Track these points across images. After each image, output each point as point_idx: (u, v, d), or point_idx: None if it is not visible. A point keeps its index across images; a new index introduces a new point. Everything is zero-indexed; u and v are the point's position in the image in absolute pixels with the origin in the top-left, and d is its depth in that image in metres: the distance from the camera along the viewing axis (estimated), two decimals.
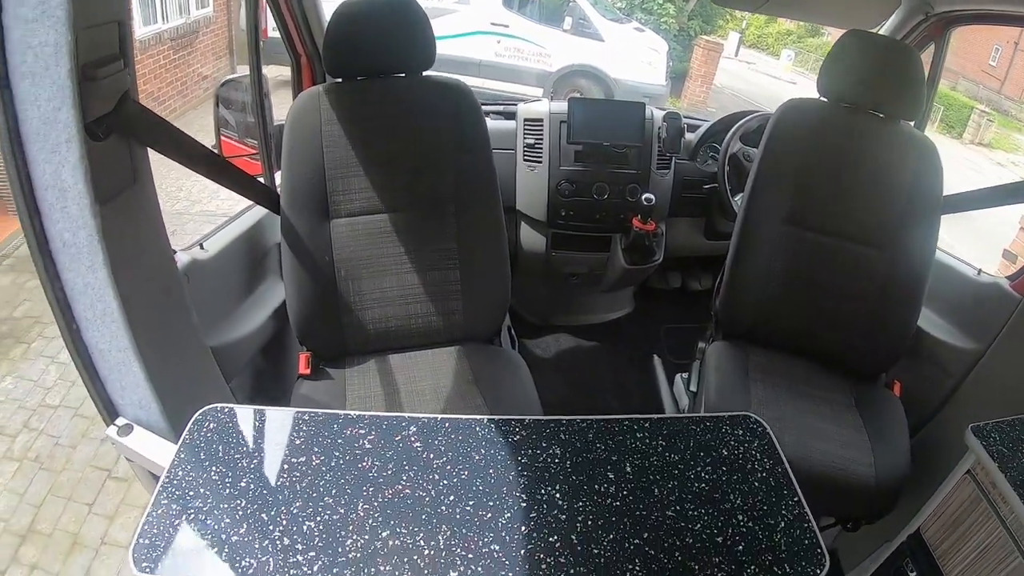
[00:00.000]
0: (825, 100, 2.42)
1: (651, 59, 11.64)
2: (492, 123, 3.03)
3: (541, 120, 3.07)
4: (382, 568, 0.98)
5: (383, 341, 2.29)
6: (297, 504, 1.08)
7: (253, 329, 2.34)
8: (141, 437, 1.34)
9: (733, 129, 3.06)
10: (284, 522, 1.05)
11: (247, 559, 0.99)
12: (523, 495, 1.08)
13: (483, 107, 3.05)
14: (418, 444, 1.17)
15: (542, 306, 3.77)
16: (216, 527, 1.04)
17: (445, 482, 1.10)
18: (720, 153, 3.06)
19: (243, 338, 2.27)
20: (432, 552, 1.00)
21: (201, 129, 9.50)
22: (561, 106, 3.06)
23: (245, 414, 1.28)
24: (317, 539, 1.02)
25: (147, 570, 0.96)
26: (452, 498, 1.08)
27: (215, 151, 2.06)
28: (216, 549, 1.00)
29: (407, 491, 1.10)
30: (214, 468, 1.14)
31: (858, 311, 2.36)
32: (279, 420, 1.29)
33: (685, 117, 3.18)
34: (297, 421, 1.26)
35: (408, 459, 1.15)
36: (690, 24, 14.83)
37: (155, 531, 1.02)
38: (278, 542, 1.02)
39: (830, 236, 2.39)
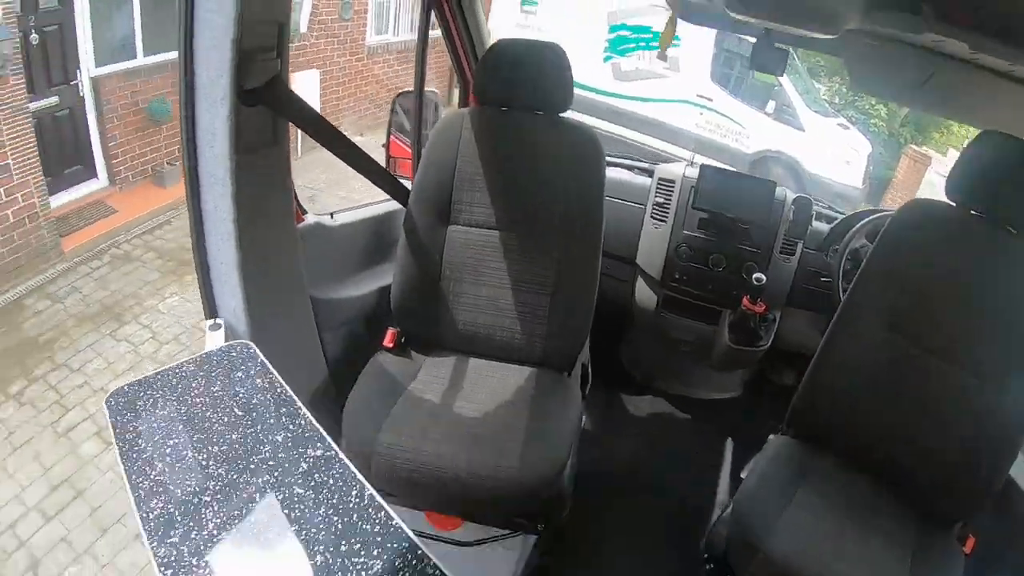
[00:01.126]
0: (953, 204, 2.13)
1: (850, 158, 10.85)
2: (632, 177, 3.18)
3: (674, 181, 3.03)
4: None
5: (467, 343, 2.40)
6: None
7: (355, 296, 2.54)
8: (223, 337, 1.56)
9: (861, 223, 2.80)
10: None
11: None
12: None
13: (629, 161, 3.26)
14: None
15: (649, 366, 3.65)
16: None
17: None
18: (841, 245, 2.80)
19: (345, 300, 2.48)
20: None
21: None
22: (694, 171, 3.00)
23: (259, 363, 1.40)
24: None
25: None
26: None
27: (348, 137, 2.29)
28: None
29: None
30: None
31: (945, 442, 2.03)
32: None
33: (820, 206, 3.05)
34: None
35: None
36: (901, 131, 13.77)
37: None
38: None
39: (934, 355, 2.09)
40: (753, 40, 2.38)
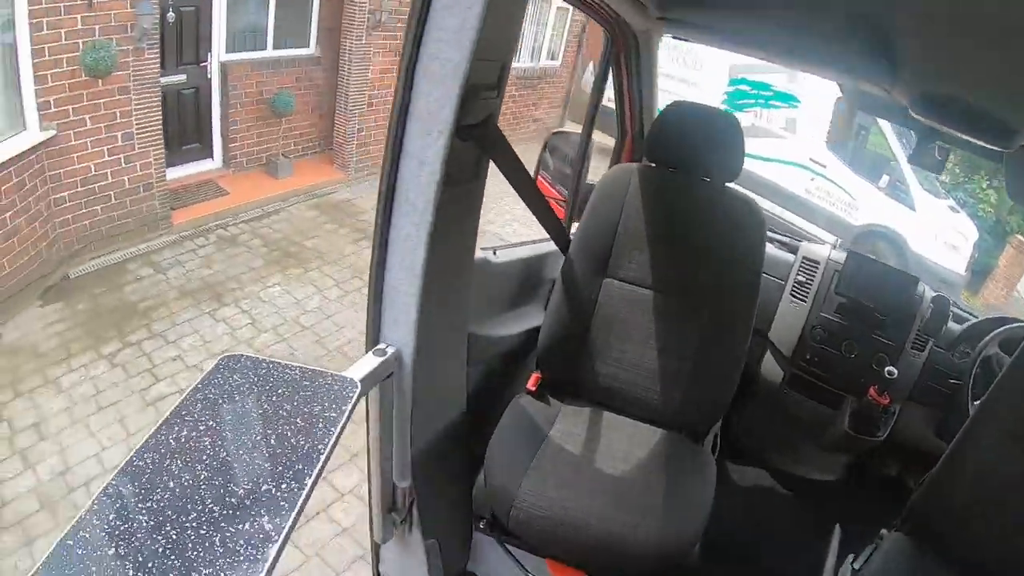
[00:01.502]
0: None
1: (957, 243, 10.54)
2: (772, 250, 3.10)
3: (819, 263, 3.03)
4: None
5: (605, 396, 2.45)
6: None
7: (504, 335, 2.55)
8: (381, 363, 1.50)
9: (996, 332, 2.76)
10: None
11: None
12: None
13: (771, 234, 3.14)
14: None
15: (760, 438, 3.66)
16: None
17: None
18: (974, 350, 2.77)
19: (494, 337, 2.50)
20: None
21: (522, 159, 10.09)
22: (840, 256, 3.01)
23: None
24: None
25: None
26: None
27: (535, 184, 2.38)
28: None
29: None
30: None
31: None
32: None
33: (956, 307, 2.99)
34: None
35: None
36: (1009, 219, 13.20)
37: None
38: None
39: None
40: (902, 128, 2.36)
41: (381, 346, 1.54)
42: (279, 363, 1.23)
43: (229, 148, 7.49)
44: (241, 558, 0.85)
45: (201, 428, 1.06)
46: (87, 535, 0.85)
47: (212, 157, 7.52)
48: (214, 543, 0.87)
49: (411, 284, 1.50)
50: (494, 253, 2.52)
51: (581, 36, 11.98)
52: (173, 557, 0.84)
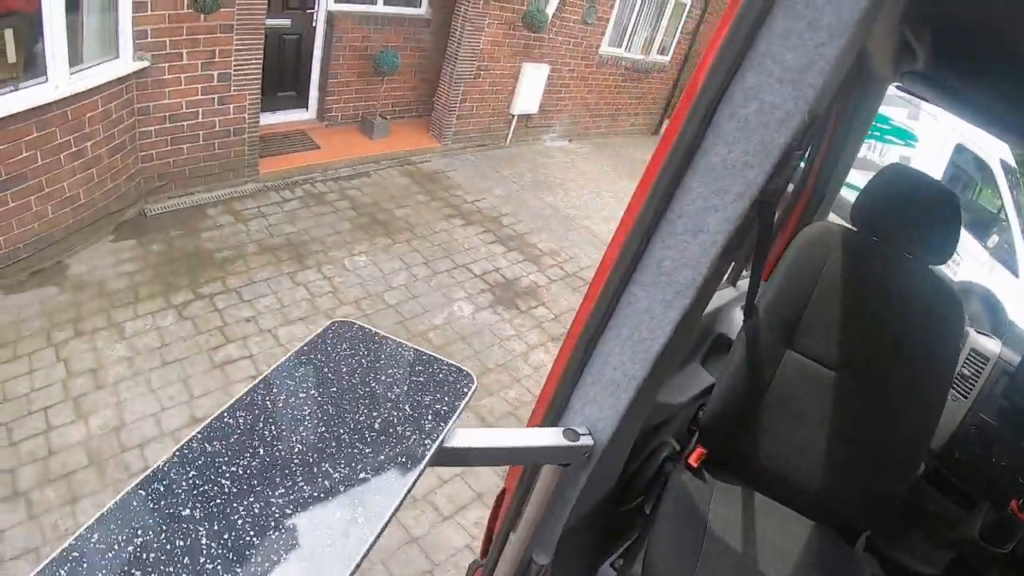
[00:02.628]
0: None
1: None
2: None
3: (988, 359, 2.81)
4: None
5: (762, 476, 2.26)
6: None
7: (670, 403, 2.30)
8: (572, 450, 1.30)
9: None
10: None
11: None
12: None
13: None
14: None
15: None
16: None
17: None
18: None
19: (660, 404, 2.21)
20: None
21: (615, 159, 9.67)
22: (1013, 356, 2.80)
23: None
24: None
25: None
26: None
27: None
28: None
29: None
30: None
31: None
32: None
33: None
34: None
35: None
36: None
37: None
38: None
39: None
40: None
41: (576, 429, 1.29)
42: (392, 339, 1.17)
43: (325, 101, 7.21)
44: (324, 555, 0.78)
45: (301, 395, 1.02)
46: (160, 488, 0.80)
47: (307, 108, 7.26)
48: (296, 529, 0.81)
49: (636, 369, 1.24)
50: None
51: (695, 33, 11.41)
52: (251, 534, 0.77)
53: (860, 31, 0.99)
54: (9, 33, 4.06)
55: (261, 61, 5.77)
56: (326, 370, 1.08)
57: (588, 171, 8.87)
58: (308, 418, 0.98)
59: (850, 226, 2.26)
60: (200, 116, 5.59)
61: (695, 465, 2.20)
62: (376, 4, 7.19)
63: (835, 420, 2.20)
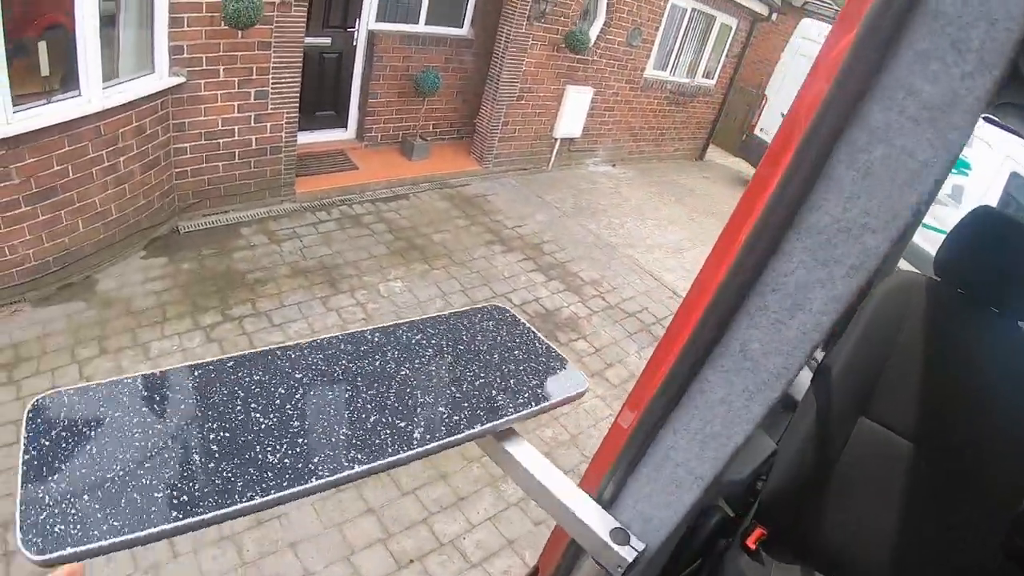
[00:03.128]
0: None
1: None
2: None
3: None
4: None
5: (825, 561, 1.98)
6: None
7: (733, 480, 2.05)
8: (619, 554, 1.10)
9: None
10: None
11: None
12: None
13: None
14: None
15: None
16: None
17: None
18: None
19: (721, 482, 1.97)
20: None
21: (659, 185, 9.47)
22: None
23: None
24: None
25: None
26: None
27: None
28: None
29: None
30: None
31: None
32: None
33: None
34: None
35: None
36: None
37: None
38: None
39: None
40: None
41: (627, 531, 1.10)
42: (533, 332, 1.24)
43: (365, 121, 7.10)
44: (375, 447, 0.91)
45: (433, 340, 1.14)
46: (292, 354, 0.99)
47: (346, 127, 7.15)
48: (367, 420, 0.94)
49: (704, 469, 1.02)
50: None
51: (741, 57, 11.19)
52: (332, 410, 0.95)
53: (1013, 56, 0.76)
54: (43, 46, 3.98)
55: (299, 79, 5.66)
56: (463, 332, 1.19)
57: (632, 197, 8.64)
58: (426, 357, 1.10)
59: (931, 276, 2.02)
60: (236, 134, 5.49)
61: (753, 547, 1.96)
62: (418, 23, 7.08)
63: (913, 497, 1.94)
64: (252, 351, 0.99)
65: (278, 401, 0.94)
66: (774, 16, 10.80)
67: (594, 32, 7.99)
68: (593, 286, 6.03)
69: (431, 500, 3.51)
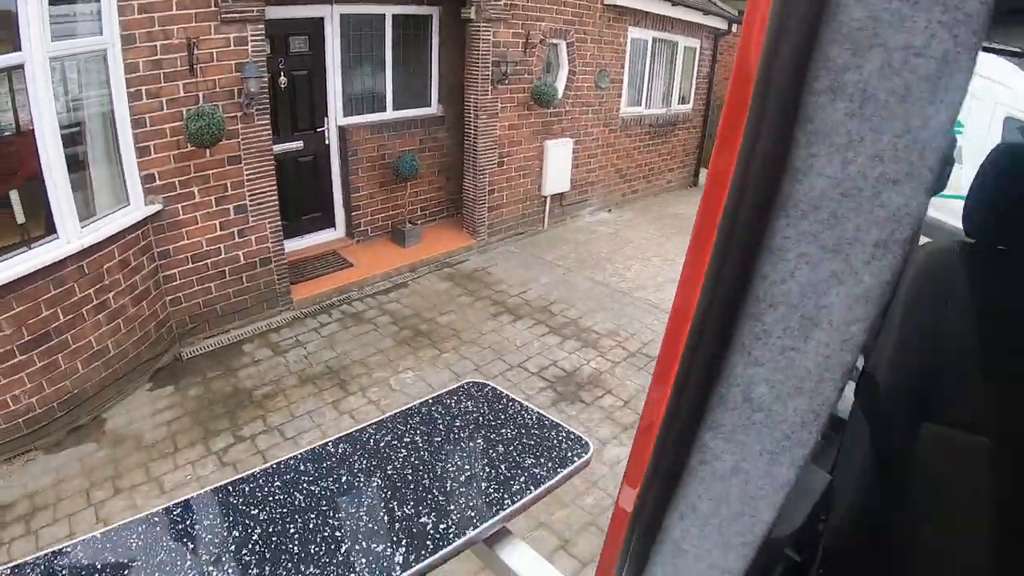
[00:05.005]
0: None
1: None
2: None
3: None
4: None
5: None
6: None
7: (787, 535, 1.69)
8: None
9: None
10: None
11: None
12: None
13: None
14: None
15: None
16: None
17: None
18: None
19: (776, 541, 1.69)
20: None
21: (659, 220, 9.37)
22: None
23: None
24: None
25: None
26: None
27: None
28: None
29: None
30: None
31: None
32: None
33: None
34: None
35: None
36: None
37: None
38: None
39: None
40: None
41: None
42: (518, 402, 1.16)
43: (352, 216, 7.05)
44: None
45: (406, 439, 1.07)
46: (245, 487, 0.94)
47: (334, 226, 7.11)
48: (337, 551, 0.84)
49: (731, 560, 0.79)
50: None
51: (711, 74, 11.17)
52: (296, 543, 0.85)
53: None
54: (14, 195, 3.99)
55: (276, 188, 5.63)
56: (439, 421, 1.11)
57: (634, 239, 8.48)
58: (399, 460, 1.02)
59: (964, 239, 1.67)
60: (223, 252, 5.44)
61: None
62: (386, 111, 7.10)
63: (1007, 505, 1.52)
64: (200, 492, 0.95)
65: (233, 547, 0.86)
66: (734, 27, 10.76)
67: (561, 83, 7.97)
68: (610, 337, 5.84)
69: None
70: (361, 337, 5.62)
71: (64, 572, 0.82)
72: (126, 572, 0.79)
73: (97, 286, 4.46)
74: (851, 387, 1.74)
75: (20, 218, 4.02)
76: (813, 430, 0.67)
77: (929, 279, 1.62)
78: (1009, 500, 1.47)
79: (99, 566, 0.80)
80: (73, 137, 4.31)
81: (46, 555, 0.87)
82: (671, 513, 0.79)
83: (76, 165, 4.29)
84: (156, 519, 0.88)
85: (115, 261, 4.57)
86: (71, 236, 4.20)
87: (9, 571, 0.86)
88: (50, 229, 4.15)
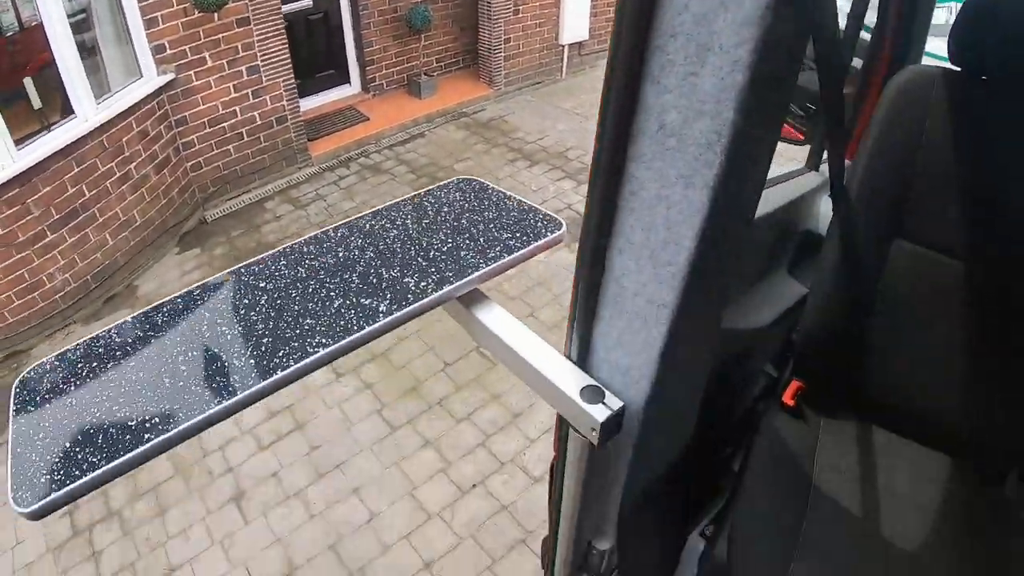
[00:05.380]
0: None
1: None
2: None
3: None
4: None
5: (876, 408, 1.75)
6: None
7: (746, 328, 1.84)
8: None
9: None
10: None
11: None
12: None
13: None
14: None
15: None
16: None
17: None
18: None
19: (733, 331, 1.77)
20: None
21: None
22: None
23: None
24: None
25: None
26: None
27: None
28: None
29: None
30: None
31: None
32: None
33: None
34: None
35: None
36: None
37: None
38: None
39: None
40: None
41: (598, 387, 0.97)
42: (503, 192, 1.23)
43: (366, 71, 6.99)
44: (340, 328, 0.92)
45: (398, 223, 1.15)
46: (256, 268, 1.06)
47: (349, 82, 7.06)
48: (331, 307, 0.96)
49: (664, 293, 0.88)
50: None
51: None
52: (297, 305, 0.97)
53: None
54: (29, 82, 4.11)
55: (287, 46, 5.61)
56: (428, 208, 1.18)
57: None
58: (390, 238, 1.11)
59: (950, 66, 1.66)
60: (239, 114, 5.51)
61: (791, 403, 1.76)
62: None
63: (970, 326, 1.67)
64: (215, 277, 1.05)
65: (243, 311, 0.97)
66: None
67: None
68: None
69: (486, 422, 3.51)
70: (379, 187, 5.75)
71: (118, 350, 0.96)
72: (159, 342, 0.95)
73: (118, 159, 4.60)
74: (828, 202, 1.77)
75: (36, 103, 4.16)
76: (717, 151, 0.73)
77: (907, 101, 1.65)
78: (972, 318, 1.62)
79: (150, 337, 0.96)
80: (79, 25, 4.37)
81: (99, 335, 1.01)
82: (611, 251, 0.89)
83: (86, 49, 4.38)
84: (178, 300, 1.01)
85: (134, 133, 4.69)
86: (88, 114, 4.32)
87: (55, 359, 0.96)
88: (67, 111, 4.28)
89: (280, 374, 0.85)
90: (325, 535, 3.04)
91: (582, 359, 1.03)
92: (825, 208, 2.03)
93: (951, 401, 1.67)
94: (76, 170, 4.27)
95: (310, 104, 6.52)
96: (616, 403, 0.94)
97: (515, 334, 1.02)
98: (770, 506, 1.53)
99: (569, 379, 0.97)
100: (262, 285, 1.01)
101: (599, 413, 0.92)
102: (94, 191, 4.43)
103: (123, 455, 0.77)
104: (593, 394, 0.95)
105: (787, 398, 1.75)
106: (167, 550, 3.07)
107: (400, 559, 2.93)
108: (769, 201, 1.87)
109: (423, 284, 0.99)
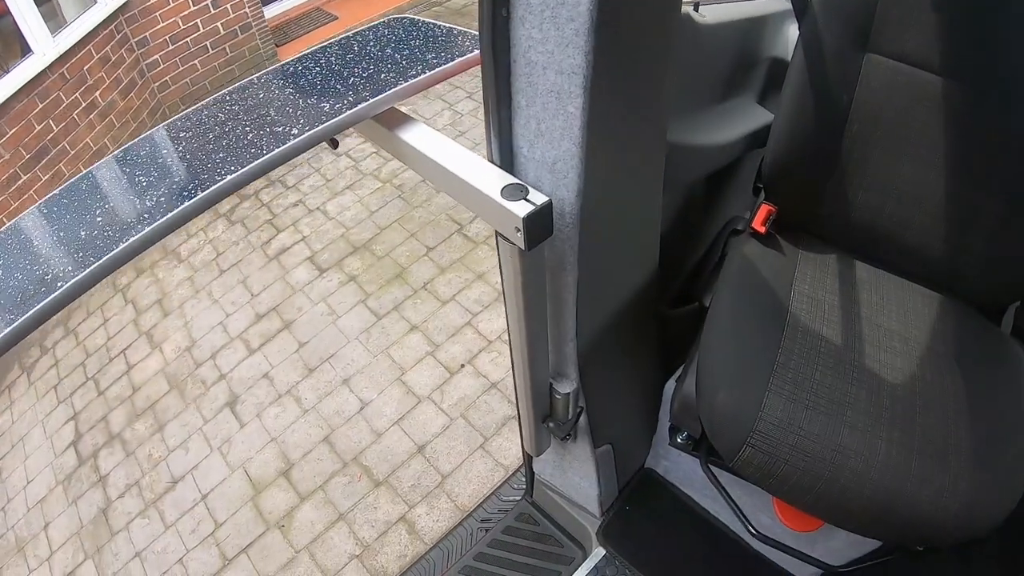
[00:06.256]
0: None
1: None
2: None
3: None
4: None
5: (856, 239, 1.64)
6: None
7: (711, 145, 1.72)
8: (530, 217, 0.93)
9: None
10: None
11: None
12: None
13: None
14: None
15: None
16: None
17: None
18: None
19: (697, 148, 1.67)
20: None
21: None
22: None
23: None
24: None
25: None
26: None
27: None
28: None
29: None
30: None
31: None
32: None
33: None
34: None
35: None
36: None
37: None
38: None
39: None
40: None
41: (520, 186, 0.94)
42: (432, 23, 1.18)
43: None
44: (249, 155, 0.90)
45: (322, 63, 1.13)
46: (220, 108, 1.06)
47: None
48: (243, 138, 0.95)
49: (573, 59, 0.85)
50: (696, 9, 1.59)
51: None
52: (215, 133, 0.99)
53: None
54: None
55: None
56: (354, 46, 1.15)
57: None
58: (312, 75, 1.10)
59: None
60: (201, 27, 5.35)
61: (762, 230, 1.64)
62: None
63: (952, 147, 1.51)
64: (142, 136, 1.04)
65: (160, 160, 0.98)
66: None
67: None
68: None
69: (472, 302, 3.46)
70: None
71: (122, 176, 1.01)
72: (80, 203, 0.94)
73: (82, 88, 4.52)
74: (795, 27, 1.69)
75: None
76: None
77: None
78: (956, 141, 1.47)
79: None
80: None
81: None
82: (513, 23, 0.86)
83: None
84: (101, 164, 1.02)
85: (94, 60, 4.59)
86: (45, 49, 4.23)
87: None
88: (24, 50, 4.19)
89: (187, 203, 0.84)
90: (319, 429, 3.06)
91: (507, 162, 1.00)
92: (793, 34, 1.87)
93: (936, 231, 1.55)
94: (40, 106, 4.20)
95: (275, 10, 6.32)
96: (540, 198, 0.90)
97: (437, 146, 0.98)
98: (740, 335, 1.42)
99: (493, 181, 0.93)
100: (183, 135, 1.01)
101: (520, 209, 0.88)
102: (62, 124, 4.36)
103: (30, 308, 0.77)
104: (514, 191, 0.91)
105: (758, 224, 1.64)
106: (168, 464, 3.12)
107: (393, 444, 2.94)
108: (738, 13, 1.76)
109: (338, 106, 0.96)
